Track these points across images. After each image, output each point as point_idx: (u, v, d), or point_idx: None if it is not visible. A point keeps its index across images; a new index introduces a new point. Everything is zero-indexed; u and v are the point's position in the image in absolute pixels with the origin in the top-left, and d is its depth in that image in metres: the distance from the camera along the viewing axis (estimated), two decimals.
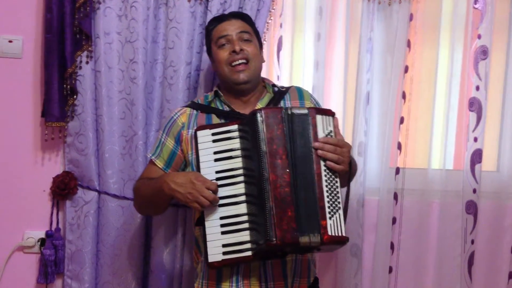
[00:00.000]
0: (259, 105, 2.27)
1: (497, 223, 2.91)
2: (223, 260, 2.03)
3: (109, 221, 2.61)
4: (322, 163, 2.04)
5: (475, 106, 2.85)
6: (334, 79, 2.81)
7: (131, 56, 2.56)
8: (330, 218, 2.01)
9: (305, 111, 2.07)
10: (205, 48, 2.55)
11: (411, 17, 2.77)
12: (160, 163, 2.28)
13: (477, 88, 2.84)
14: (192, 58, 2.60)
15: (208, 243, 2.04)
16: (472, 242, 2.86)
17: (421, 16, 2.82)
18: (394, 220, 2.82)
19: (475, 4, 2.83)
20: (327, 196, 2.03)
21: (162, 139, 2.29)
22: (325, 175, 2.05)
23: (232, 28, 2.28)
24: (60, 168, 2.65)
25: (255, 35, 2.35)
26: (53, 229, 2.65)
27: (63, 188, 2.59)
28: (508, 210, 2.91)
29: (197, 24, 2.60)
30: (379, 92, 2.81)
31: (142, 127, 2.58)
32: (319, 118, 2.07)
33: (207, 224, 2.05)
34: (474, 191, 2.85)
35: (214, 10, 2.56)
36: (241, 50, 2.24)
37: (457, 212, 2.85)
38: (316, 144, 2.04)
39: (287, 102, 2.31)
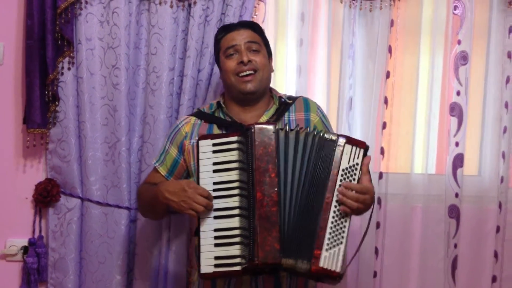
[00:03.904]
0: (264, 117, 2.24)
1: (479, 227, 2.94)
2: (214, 272, 2.00)
3: (92, 228, 2.60)
4: (335, 193, 1.99)
5: (456, 111, 2.88)
6: (317, 85, 2.82)
7: (113, 62, 2.55)
8: (327, 249, 1.96)
9: (334, 137, 2.04)
10: (187, 53, 2.57)
11: (392, 23, 2.80)
12: (163, 171, 2.28)
13: (458, 93, 2.88)
14: (175, 63, 2.61)
15: (201, 254, 2.02)
16: (455, 246, 2.88)
17: (401, 22, 2.85)
18: (378, 225, 2.83)
19: (455, 10, 2.87)
20: (331, 228, 1.97)
21: (167, 147, 2.28)
22: (335, 206, 1.99)
23: (241, 38, 2.24)
24: (42, 175, 2.64)
25: (264, 44, 2.31)
26: (36, 237, 2.64)
27: (46, 196, 2.57)
28: (490, 213, 2.93)
29: (180, 30, 2.60)
30: (361, 98, 2.83)
31: (125, 133, 2.58)
32: (347, 147, 2.02)
33: (202, 235, 2.03)
34: (457, 195, 2.87)
35: (197, 16, 2.57)
36: (249, 61, 2.21)
37: (440, 216, 2.87)
38: (340, 189, 1.98)
39: (291, 114, 2.26)
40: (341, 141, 2.02)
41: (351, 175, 2.02)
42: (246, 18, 2.61)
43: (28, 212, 2.64)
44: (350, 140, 2.04)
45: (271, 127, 2.03)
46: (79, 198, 2.59)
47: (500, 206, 2.91)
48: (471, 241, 2.93)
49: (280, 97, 2.31)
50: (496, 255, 2.92)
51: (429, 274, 2.87)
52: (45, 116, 2.54)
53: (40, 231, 2.64)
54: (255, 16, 2.68)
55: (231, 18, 2.58)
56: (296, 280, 2.16)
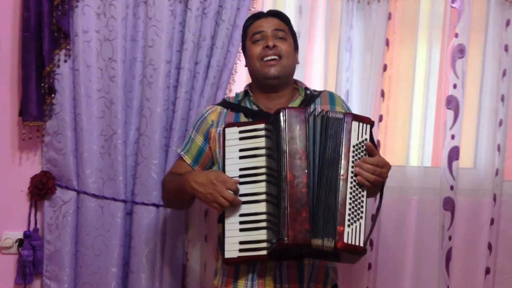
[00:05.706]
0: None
1: (474, 220, 2.97)
2: (238, 257, 2.03)
3: (88, 221, 2.59)
4: (350, 169, 2.03)
5: (452, 104, 2.89)
6: (314, 78, 2.83)
7: (110, 55, 2.54)
8: (349, 225, 1.99)
9: (340, 116, 2.07)
10: (185, 46, 2.56)
11: (389, 16, 2.80)
12: (188, 159, 2.28)
13: (455, 86, 2.89)
14: (172, 56, 2.59)
15: (226, 239, 2.05)
16: (450, 238, 2.90)
17: (399, 15, 2.86)
18: (373, 217, 2.84)
19: (453, 3, 2.87)
20: (350, 204, 2.01)
21: (192, 136, 2.30)
22: (351, 182, 2.03)
23: (268, 25, 2.27)
24: (38, 168, 2.62)
25: (291, 35, 2.32)
26: (31, 229, 2.62)
27: (41, 188, 2.56)
28: (484, 206, 2.96)
29: (177, 23, 2.58)
30: (358, 91, 2.83)
31: (121, 126, 2.56)
32: (355, 124, 2.06)
33: (226, 220, 2.06)
34: (452, 188, 2.89)
35: (194, 8, 2.55)
36: (274, 46, 2.23)
37: (435, 209, 2.89)
38: (357, 162, 2.03)
39: (317, 107, 2.26)
40: (348, 118, 2.06)
41: (362, 151, 2.06)
42: (243, 10, 2.61)
43: (24, 204, 2.63)
44: (356, 117, 2.09)
45: (302, 111, 2.06)
46: (75, 191, 2.58)
47: (494, 198, 2.94)
48: (465, 233, 2.97)
49: (306, 88, 2.33)
50: (490, 247, 2.96)
51: (424, 266, 2.90)
52: (41, 109, 2.52)
53: (36, 223, 2.63)
54: (252, 9, 2.67)
55: (229, 10, 2.58)
56: (317, 269, 2.17)
